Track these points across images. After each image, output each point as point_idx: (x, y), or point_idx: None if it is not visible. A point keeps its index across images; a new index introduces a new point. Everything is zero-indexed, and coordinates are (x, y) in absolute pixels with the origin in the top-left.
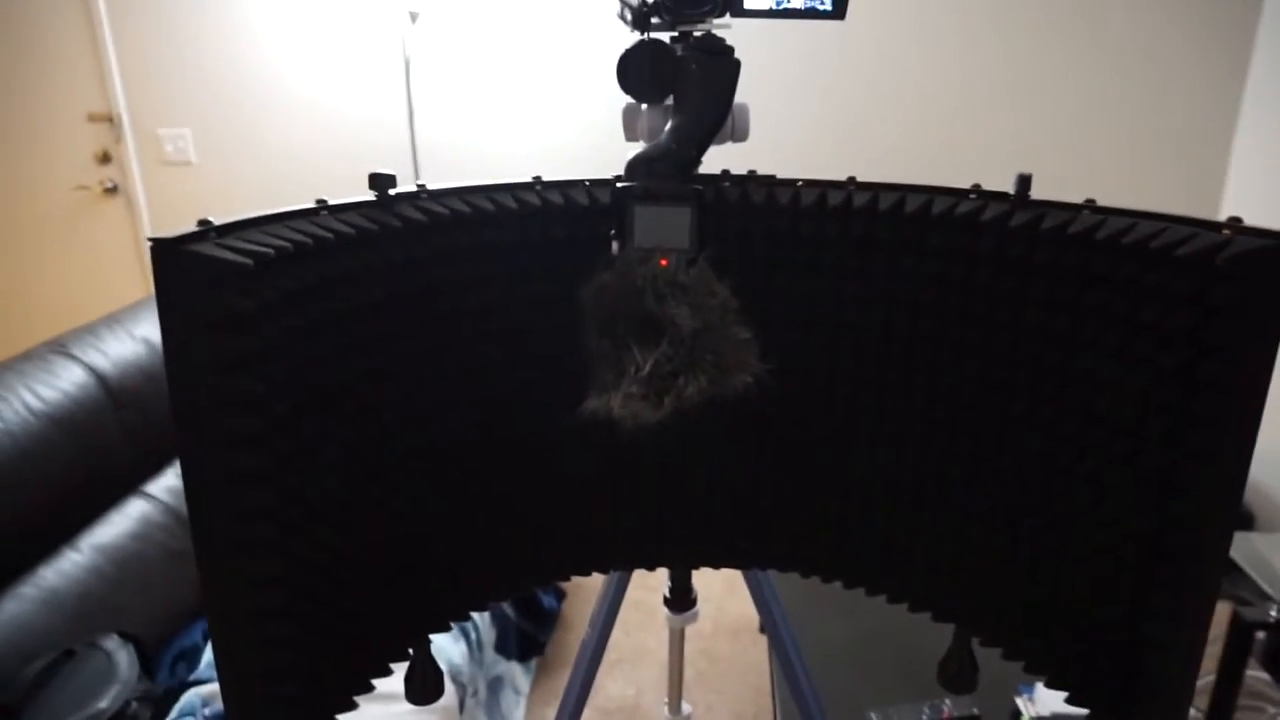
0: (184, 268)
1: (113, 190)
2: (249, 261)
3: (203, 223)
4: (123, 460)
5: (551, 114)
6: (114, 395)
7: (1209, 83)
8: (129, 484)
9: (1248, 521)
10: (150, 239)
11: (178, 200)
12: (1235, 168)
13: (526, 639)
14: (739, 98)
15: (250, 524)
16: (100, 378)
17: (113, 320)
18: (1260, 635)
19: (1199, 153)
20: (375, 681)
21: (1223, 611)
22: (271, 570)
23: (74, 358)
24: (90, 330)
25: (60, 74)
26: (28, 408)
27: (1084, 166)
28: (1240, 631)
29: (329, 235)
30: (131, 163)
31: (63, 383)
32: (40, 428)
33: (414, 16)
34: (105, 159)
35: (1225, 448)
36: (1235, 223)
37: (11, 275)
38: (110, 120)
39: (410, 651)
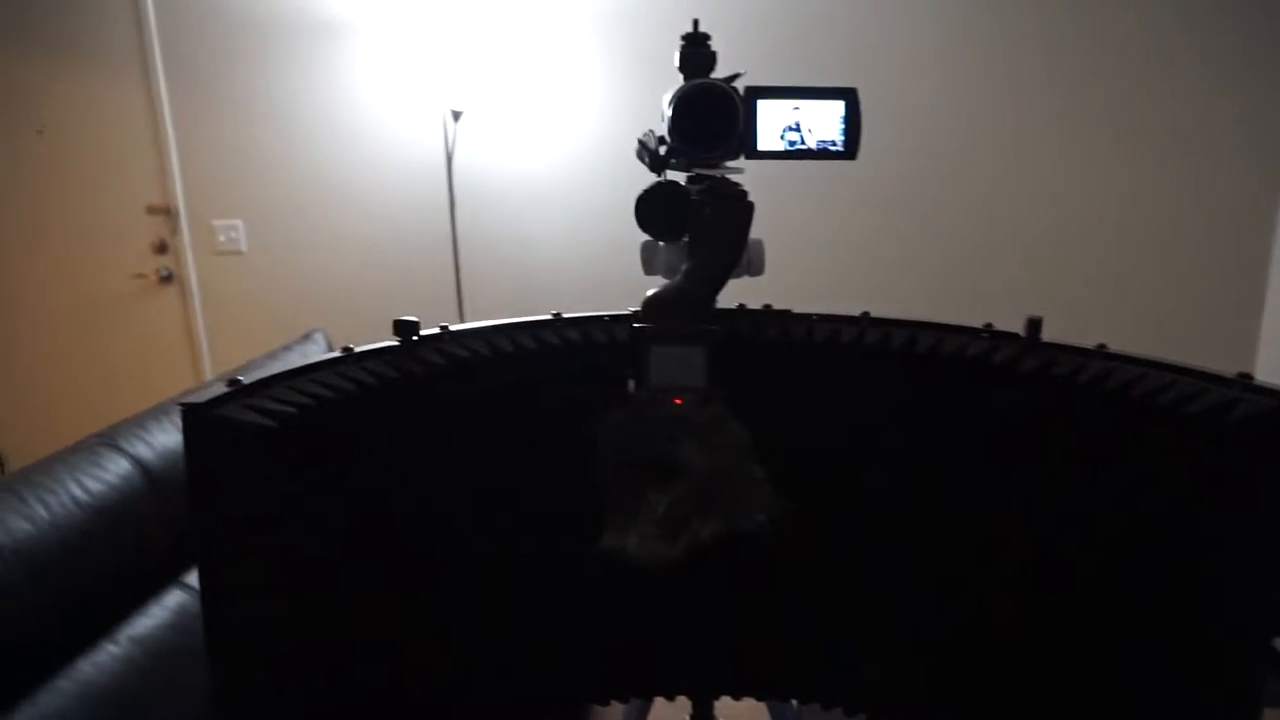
0: (212, 431)
1: (167, 279)
2: (273, 424)
3: (232, 382)
4: (162, 551)
5: (587, 210)
6: (156, 485)
7: (1249, 184)
8: (168, 575)
9: None
10: (182, 404)
11: (228, 288)
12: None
13: None
14: (755, 233)
15: (267, 668)
16: (144, 468)
17: (160, 411)
18: None
19: (1239, 256)
20: None
21: None
22: (289, 710)
23: (120, 449)
24: (138, 422)
25: (124, 169)
26: (74, 500)
27: (1115, 271)
28: None
29: (352, 387)
30: (186, 252)
31: (108, 475)
32: (84, 520)
33: (456, 115)
34: (162, 248)
35: (1237, 608)
36: (1245, 379)
37: (71, 359)
38: (168, 212)
39: None
